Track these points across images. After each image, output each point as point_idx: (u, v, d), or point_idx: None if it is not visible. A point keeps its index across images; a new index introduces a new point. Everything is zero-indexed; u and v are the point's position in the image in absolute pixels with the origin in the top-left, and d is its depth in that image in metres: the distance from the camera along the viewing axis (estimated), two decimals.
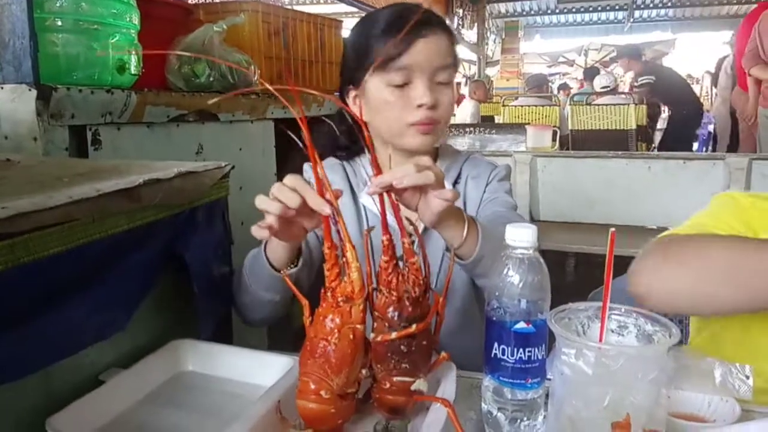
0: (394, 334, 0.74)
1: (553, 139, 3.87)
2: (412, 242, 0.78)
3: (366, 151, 1.17)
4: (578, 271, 3.11)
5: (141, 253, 0.85)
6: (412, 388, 0.74)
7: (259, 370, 0.86)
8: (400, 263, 0.78)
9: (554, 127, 4.24)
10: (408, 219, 0.77)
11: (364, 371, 0.76)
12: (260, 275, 0.93)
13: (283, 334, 1.30)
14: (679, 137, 4.96)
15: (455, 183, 1.17)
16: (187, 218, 0.94)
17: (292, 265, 0.92)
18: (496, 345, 0.71)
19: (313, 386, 0.72)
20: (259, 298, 0.96)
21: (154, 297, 0.91)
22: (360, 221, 1.14)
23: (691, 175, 2.51)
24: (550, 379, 0.71)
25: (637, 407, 0.63)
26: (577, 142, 4.67)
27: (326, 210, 0.74)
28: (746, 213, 0.96)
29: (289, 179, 0.78)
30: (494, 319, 0.71)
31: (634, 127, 4.78)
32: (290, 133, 0.79)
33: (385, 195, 0.78)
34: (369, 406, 0.80)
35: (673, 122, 5.16)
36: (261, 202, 0.79)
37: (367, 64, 1.05)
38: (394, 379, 0.74)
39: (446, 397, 0.73)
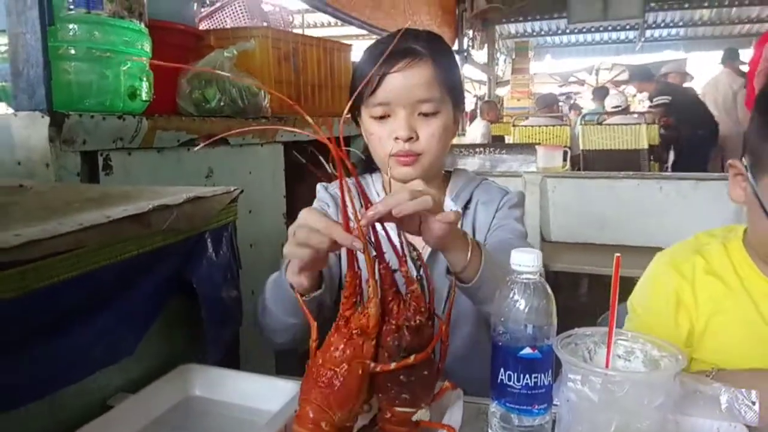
0: (393, 365, 0.74)
1: (564, 159, 3.87)
2: (419, 267, 0.78)
3: (378, 171, 1.18)
4: (590, 293, 3.08)
5: (150, 278, 0.86)
6: (414, 418, 0.74)
7: (267, 396, 0.86)
8: (402, 290, 0.78)
9: (565, 147, 4.24)
10: (412, 245, 0.78)
11: (365, 407, 0.76)
12: (283, 301, 0.93)
13: (292, 357, 1.30)
14: (694, 157, 4.94)
15: (465, 207, 1.16)
16: (196, 243, 0.95)
17: (314, 291, 0.90)
18: (502, 371, 0.71)
19: (312, 415, 0.72)
20: (284, 322, 0.95)
21: (163, 321, 0.91)
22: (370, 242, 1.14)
23: (704, 196, 2.49)
24: (557, 405, 0.71)
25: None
26: (588, 162, 4.66)
27: (357, 245, 0.74)
28: (685, 286, 0.98)
29: (312, 218, 0.76)
30: (500, 344, 0.71)
31: (646, 146, 4.76)
32: (298, 155, 0.80)
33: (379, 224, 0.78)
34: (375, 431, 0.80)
35: (689, 142, 5.14)
36: (291, 252, 0.79)
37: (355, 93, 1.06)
38: (396, 409, 0.74)
39: (452, 423, 0.73)
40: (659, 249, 1.12)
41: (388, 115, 1.04)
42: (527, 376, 0.69)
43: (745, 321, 0.95)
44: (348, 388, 0.73)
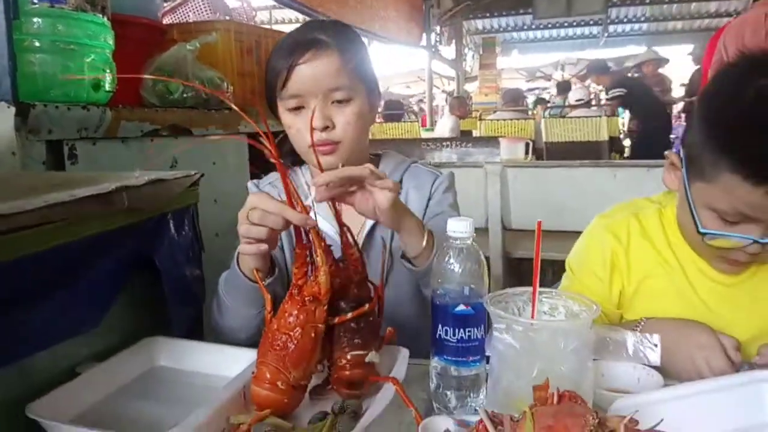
0: (349, 315, 0.82)
1: (527, 152, 3.97)
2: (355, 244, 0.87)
3: (304, 162, 1.22)
4: (550, 277, 3.18)
5: (113, 255, 0.91)
6: (366, 359, 0.81)
7: (228, 363, 0.92)
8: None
9: (529, 139, 4.35)
10: (348, 228, 0.87)
11: (319, 366, 0.83)
12: (240, 292, 0.97)
13: None
14: (650, 147, 5.09)
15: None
16: (158, 223, 1.00)
17: (268, 277, 0.95)
18: (440, 327, 0.78)
19: (269, 375, 0.78)
20: (243, 315, 0.99)
21: (129, 297, 0.97)
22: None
23: (656, 182, 2.60)
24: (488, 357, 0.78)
25: (564, 377, 0.70)
26: (551, 154, 4.79)
27: (311, 222, 0.81)
28: (619, 249, 1.06)
29: (263, 202, 0.83)
30: (438, 303, 0.78)
31: (606, 138, 4.91)
32: (260, 145, 0.85)
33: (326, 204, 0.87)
34: (327, 391, 0.86)
35: (644, 133, 5.30)
36: (247, 231, 0.85)
37: (270, 88, 1.10)
38: (349, 354, 0.81)
39: (397, 376, 0.80)
40: None
41: (303, 107, 1.06)
42: (462, 330, 0.77)
43: (673, 286, 1.03)
44: (302, 349, 0.80)
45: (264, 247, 0.87)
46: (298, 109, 1.07)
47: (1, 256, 0.73)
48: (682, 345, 0.86)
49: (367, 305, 0.82)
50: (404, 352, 0.87)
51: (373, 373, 0.83)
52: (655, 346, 0.74)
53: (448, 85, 10.59)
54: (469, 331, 0.77)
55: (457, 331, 0.77)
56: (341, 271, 0.84)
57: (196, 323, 1.02)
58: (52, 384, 0.81)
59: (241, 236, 0.87)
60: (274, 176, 1.22)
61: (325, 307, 0.82)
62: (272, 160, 0.81)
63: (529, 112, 6.48)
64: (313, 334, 0.81)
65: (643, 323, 0.91)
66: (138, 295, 0.99)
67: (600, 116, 5.03)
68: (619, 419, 0.53)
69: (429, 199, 1.17)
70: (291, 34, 1.13)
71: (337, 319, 0.82)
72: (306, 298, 0.82)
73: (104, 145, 1.39)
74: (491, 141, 4.43)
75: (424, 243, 0.95)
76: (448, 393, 0.79)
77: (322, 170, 0.91)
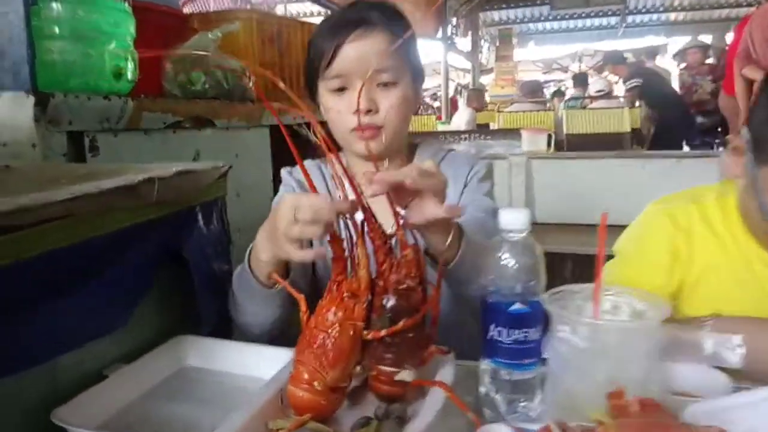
0: (383, 332, 0.75)
1: (549, 144, 3.89)
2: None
3: (338, 151, 1.17)
4: (575, 273, 3.12)
5: (141, 249, 0.86)
6: (396, 378, 0.76)
7: (260, 364, 0.87)
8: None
9: (550, 131, 4.26)
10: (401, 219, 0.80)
11: (357, 368, 0.78)
12: (252, 294, 0.91)
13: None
14: (669, 141, 4.99)
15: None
16: (186, 216, 0.96)
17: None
18: (492, 327, 0.72)
19: (306, 376, 0.74)
20: (255, 314, 0.94)
21: (157, 294, 0.92)
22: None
23: (685, 174, 2.53)
24: (546, 360, 0.73)
25: (631, 380, 0.64)
26: (572, 146, 4.68)
27: (359, 215, 0.76)
28: (680, 237, 0.98)
29: (307, 199, 0.76)
30: (490, 301, 0.73)
31: (628, 130, 4.81)
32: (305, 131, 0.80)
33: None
34: (366, 395, 0.81)
35: (663, 125, 5.19)
36: (300, 233, 0.76)
37: (312, 69, 1.04)
38: (380, 368, 0.76)
39: (445, 380, 0.74)
40: None
41: (346, 88, 1.01)
42: (517, 331, 0.71)
43: (737, 279, 0.96)
44: (340, 348, 0.75)
45: (323, 251, 0.79)
46: (340, 90, 1.01)
47: (24, 252, 0.69)
48: None
49: (402, 321, 0.75)
50: (450, 356, 0.81)
51: (409, 388, 0.78)
52: (738, 347, 0.68)
53: (463, 78, 10.49)
54: (525, 332, 0.71)
55: (512, 331, 0.71)
56: (392, 271, 0.78)
57: (226, 319, 0.97)
58: (79, 388, 0.76)
59: (290, 240, 0.78)
60: (309, 162, 1.16)
61: (365, 305, 0.77)
62: (318, 144, 0.76)
63: (548, 105, 6.38)
64: (351, 332, 0.76)
65: (711, 321, 0.84)
66: (165, 292, 0.94)
67: (623, 107, 4.93)
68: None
69: (464, 186, 1.11)
70: (337, 12, 1.08)
71: (370, 335, 0.76)
72: (345, 295, 0.77)
73: (126, 137, 1.34)
74: (511, 133, 4.36)
75: (450, 238, 0.85)
76: (500, 398, 0.74)
77: (370, 155, 0.84)
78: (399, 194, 0.80)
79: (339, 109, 1.02)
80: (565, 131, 4.76)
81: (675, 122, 5.31)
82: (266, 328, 0.95)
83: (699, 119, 5.61)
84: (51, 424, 0.69)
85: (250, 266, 0.88)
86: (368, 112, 0.99)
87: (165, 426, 0.77)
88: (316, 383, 0.73)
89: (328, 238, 0.77)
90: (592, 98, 5.89)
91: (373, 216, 0.78)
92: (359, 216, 0.82)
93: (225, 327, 0.95)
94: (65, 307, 0.74)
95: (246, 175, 1.75)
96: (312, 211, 0.75)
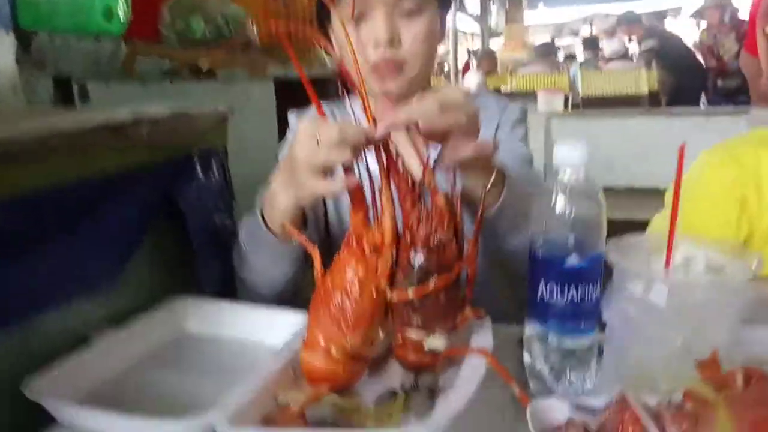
0: (410, 292, 0.64)
1: (566, 106, 3.75)
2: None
3: (354, 92, 1.04)
4: None
5: (131, 199, 0.76)
6: (426, 345, 0.65)
7: (270, 329, 0.77)
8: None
9: (566, 93, 4.11)
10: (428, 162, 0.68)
11: (380, 333, 0.67)
12: (265, 249, 0.80)
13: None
14: (683, 101, 4.80)
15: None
16: (183, 164, 0.85)
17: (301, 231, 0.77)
18: (542, 285, 0.61)
19: (322, 342, 0.63)
20: (268, 273, 0.83)
21: (151, 250, 0.81)
22: None
23: (714, 132, 2.39)
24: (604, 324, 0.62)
25: (714, 346, 0.54)
26: (588, 108, 4.53)
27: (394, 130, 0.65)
28: (749, 184, 0.86)
29: (329, 124, 0.65)
30: (541, 256, 0.61)
31: (645, 92, 4.62)
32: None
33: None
34: (390, 366, 0.71)
35: (677, 90, 5.00)
36: (326, 157, 0.64)
37: None
38: (408, 334, 0.66)
39: (485, 346, 0.63)
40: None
41: (363, 17, 0.87)
42: (573, 289, 0.60)
43: None
44: (361, 309, 0.64)
45: (355, 179, 0.66)
46: (358, 20, 0.87)
47: None
48: None
49: (433, 281, 0.64)
50: (486, 321, 0.70)
51: (439, 357, 0.67)
52: None
53: (472, 43, 10.23)
54: (582, 290, 0.60)
55: (567, 290, 0.60)
56: (422, 223, 0.67)
57: (229, 281, 0.86)
58: (57, 355, 0.66)
59: (314, 171, 0.66)
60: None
61: (390, 260, 0.67)
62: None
63: (561, 67, 6.17)
64: (374, 292, 0.65)
65: None
66: (162, 248, 0.84)
67: (639, 68, 4.74)
68: None
69: (496, 129, 0.98)
70: None
71: (395, 296, 0.66)
72: (366, 249, 0.66)
73: (119, 86, 1.23)
74: (524, 96, 4.21)
75: (491, 180, 0.73)
76: (550, 368, 0.63)
77: (390, 96, 0.71)
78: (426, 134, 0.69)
79: (358, 42, 0.88)
80: (580, 93, 4.58)
81: (693, 85, 5.12)
82: (276, 289, 0.84)
83: (720, 82, 5.41)
84: (23, 398, 0.59)
85: (262, 216, 0.78)
86: (390, 44, 0.86)
87: (160, 400, 0.66)
88: (333, 349, 0.63)
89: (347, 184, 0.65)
90: (607, 60, 5.69)
91: (398, 157, 0.67)
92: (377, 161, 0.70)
93: (228, 289, 0.84)
94: (43, 260, 0.64)
95: (249, 131, 1.63)
96: (338, 132, 0.63)
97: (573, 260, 0.59)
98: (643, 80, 4.69)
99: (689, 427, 0.41)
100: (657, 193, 1.07)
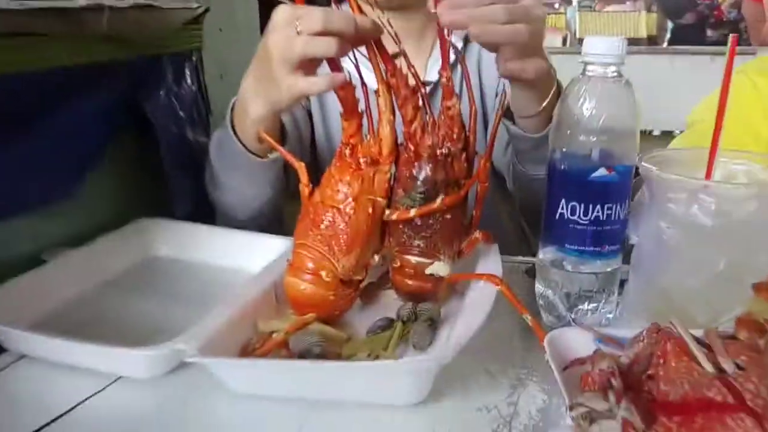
0: (413, 211, 0.56)
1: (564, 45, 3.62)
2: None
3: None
4: None
5: (91, 100, 0.66)
6: (428, 271, 0.58)
7: (249, 254, 0.69)
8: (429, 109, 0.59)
9: (564, 33, 3.97)
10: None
11: (376, 257, 0.59)
12: (238, 166, 0.69)
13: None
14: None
15: (466, 41, 0.85)
16: (151, 67, 0.74)
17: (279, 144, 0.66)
18: (563, 202, 0.53)
19: (311, 264, 0.56)
20: (242, 193, 0.73)
21: (117, 163, 0.72)
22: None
23: (719, 72, 2.29)
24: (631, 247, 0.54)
25: (762, 273, 0.46)
26: None
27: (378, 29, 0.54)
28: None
29: (305, 9, 0.54)
30: (562, 167, 0.53)
31: (644, 36, 4.49)
32: None
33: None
34: (385, 293, 0.63)
35: (675, 32, 4.87)
36: (304, 47, 0.53)
37: None
38: (407, 257, 0.58)
39: (495, 273, 0.56)
40: (673, 135, 0.91)
41: None
42: (599, 206, 0.52)
43: None
44: (355, 228, 0.56)
45: (343, 75, 0.55)
46: None
47: None
48: None
49: (441, 198, 0.56)
50: (493, 245, 0.63)
51: (442, 285, 0.60)
52: None
53: None
54: (609, 208, 0.52)
55: (591, 207, 0.52)
56: (428, 130, 0.58)
57: (204, 203, 0.77)
58: (8, 275, 0.57)
59: (292, 66, 0.55)
60: None
61: (388, 174, 0.58)
62: None
63: (557, 6, 5.98)
64: (370, 210, 0.57)
65: None
66: (129, 162, 0.74)
67: (639, 11, 4.59)
68: None
69: None
70: None
71: (395, 215, 0.57)
72: (361, 160, 0.57)
73: None
74: None
75: (549, 99, 0.64)
76: (566, 298, 0.56)
77: None
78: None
79: None
80: (578, 36, 4.44)
81: (690, 28, 4.99)
82: (253, 212, 0.74)
83: (710, 32, 5.28)
84: None
85: (233, 127, 0.67)
86: None
87: (122, 327, 0.58)
88: (323, 273, 0.55)
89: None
90: (605, 1, 5.51)
91: (393, 54, 0.57)
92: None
93: (203, 213, 0.75)
94: None
95: (231, 53, 1.50)
96: (321, 17, 0.52)
97: (601, 173, 0.51)
98: (642, 24, 4.55)
99: (753, 359, 0.34)
100: (656, 138, 0.98)
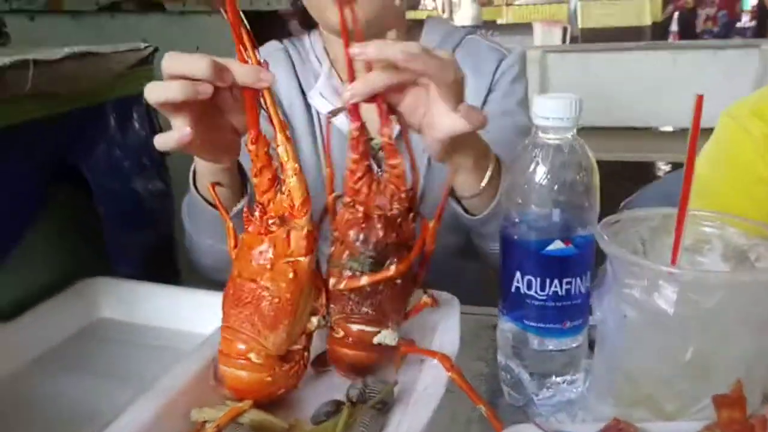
0: (364, 280, 0.51)
1: (564, 39, 3.55)
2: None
3: (317, 28, 0.87)
4: (600, 184, 2.87)
5: (23, 157, 0.61)
6: (375, 340, 0.53)
7: (198, 314, 0.64)
8: (376, 168, 0.54)
9: (565, 24, 3.90)
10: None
11: (314, 319, 0.54)
12: (200, 218, 0.66)
13: None
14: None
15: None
16: (88, 118, 0.70)
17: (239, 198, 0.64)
18: (518, 276, 0.48)
19: (240, 346, 0.50)
20: (212, 249, 0.68)
21: (56, 223, 0.68)
22: (312, 128, 0.81)
23: (723, 68, 2.22)
24: (593, 326, 0.49)
25: (736, 363, 0.41)
26: (588, 41, 4.30)
27: (265, 78, 0.48)
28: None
29: (184, 54, 0.49)
30: (515, 238, 0.48)
31: (649, 23, 4.39)
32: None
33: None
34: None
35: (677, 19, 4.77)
36: (162, 91, 0.49)
37: None
38: (351, 327, 0.53)
39: (445, 350, 0.51)
40: (673, 133, 0.85)
41: None
42: (556, 280, 0.47)
43: None
44: (278, 299, 0.50)
45: (187, 130, 0.50)
46: None
47: None
48: None
49: (393, 266, 0.51)
50: (453, 303, 0.58)
51: (387, 355, 0.54)
52: None
53: None
54: (568, 283, 0.47)
55: (548, 282, 0.47)
56: (374, 186, 0.53)
57: (151, 258, 0.73)
58: None
59: (164, 109, 0.50)
60: (274, 45, 0.85)
61: (306, 228, 0.52)
62: None
63: None
64: (291, 274, 0.51)
65: None
66: (66, 223, 0.70)
67: None
68: None
69: (489, 91, 0.81)
70: None
71: (343, 284, 0.52)
72: (270, 222, 0.51)
73: (46, 20, 1.06)
74: (521, 28, 4.01)
75: (488, 175, 0.61)
76: (527, 374, 0.51)
77: (343, 28, 0.55)
78: (405, 114, 0.55)
79: None
80: (579, 25, 4.35)
81: (690, 12, 4.89)
82: (217, 261, 0.67)
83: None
84: None
85: (194, 180, 0.63)
86: None
87: (54, 409, 0.54)
88: (252, 355, 0.50)
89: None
90: None
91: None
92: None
93: (149, 269, 0.71)
94: None
95: None
96: (177, 61, 0.47)
97: (557, 246, 0.46)
98: (647, 10, 4.45)
99: None
100: (657, 135, 0.93)
